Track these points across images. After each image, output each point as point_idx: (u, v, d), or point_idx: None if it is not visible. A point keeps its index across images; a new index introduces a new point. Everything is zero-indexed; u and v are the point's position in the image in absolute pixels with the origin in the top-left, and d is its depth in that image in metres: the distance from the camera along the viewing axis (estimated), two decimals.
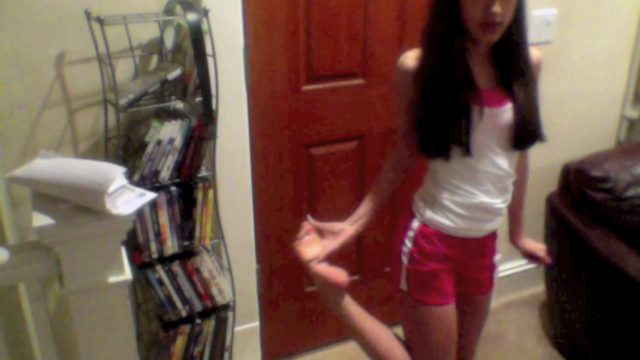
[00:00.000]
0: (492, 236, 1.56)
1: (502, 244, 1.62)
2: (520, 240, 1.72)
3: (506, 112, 1.39)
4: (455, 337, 1.53)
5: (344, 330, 1.56)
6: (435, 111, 1.36)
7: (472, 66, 1.37)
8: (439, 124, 1.36)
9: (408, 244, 1.49)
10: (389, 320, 1.57)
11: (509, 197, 1.50)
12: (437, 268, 1.48)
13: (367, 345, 1.55)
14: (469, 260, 1.53)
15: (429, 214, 1.47)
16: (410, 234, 1.49)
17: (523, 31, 1.37)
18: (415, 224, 1.49)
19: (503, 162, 1.44)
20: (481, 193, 1.44)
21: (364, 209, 1.53)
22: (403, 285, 1.50)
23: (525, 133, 1.41)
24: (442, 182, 1.46)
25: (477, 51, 1.38)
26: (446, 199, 1.45)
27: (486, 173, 1.43)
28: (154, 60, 1.79)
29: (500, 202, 1.48)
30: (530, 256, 1.71)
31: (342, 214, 1.55)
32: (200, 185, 1.78)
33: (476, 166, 1.41)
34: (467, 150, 1.37)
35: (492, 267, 1.60)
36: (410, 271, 1.49)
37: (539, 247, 1.70)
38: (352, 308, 1.53)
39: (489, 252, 1.57)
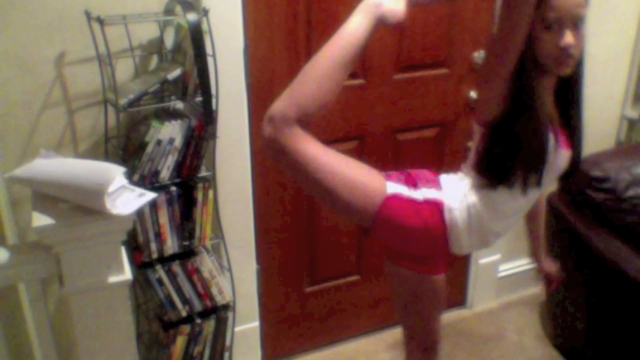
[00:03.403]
0: None
1: (502, 244, 1.62)
2: (541, 260, 1.77)
3: (567, 155, 1.40)
4: None
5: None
6: (517, 150, 1.32)
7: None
8: (519, 160, 1.33)
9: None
10: (388, 321, 1.57)
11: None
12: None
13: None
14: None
15: (458, 214, 1.39)
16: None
17: (584, 65, 1.38)
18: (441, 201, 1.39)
19: (537, 193, 1.45)
20: (507, 223, 1.44)
21: None
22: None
23: (573, 171, 1.45)
24: (489, 208, 1.40)
25: (548, 86, 1.36)
26: (485, 219, 1.39)
27: (524, 205, 1.43)
28: (154, 60, 1.79)
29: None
30: (546, 277, 1.78)
31: None
32: (200, 185, 1.78)
33: (521, 197, 1.39)
34: (538, 183, 1.36)
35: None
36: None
37: (552, 269, 1.76)
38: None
39: None
